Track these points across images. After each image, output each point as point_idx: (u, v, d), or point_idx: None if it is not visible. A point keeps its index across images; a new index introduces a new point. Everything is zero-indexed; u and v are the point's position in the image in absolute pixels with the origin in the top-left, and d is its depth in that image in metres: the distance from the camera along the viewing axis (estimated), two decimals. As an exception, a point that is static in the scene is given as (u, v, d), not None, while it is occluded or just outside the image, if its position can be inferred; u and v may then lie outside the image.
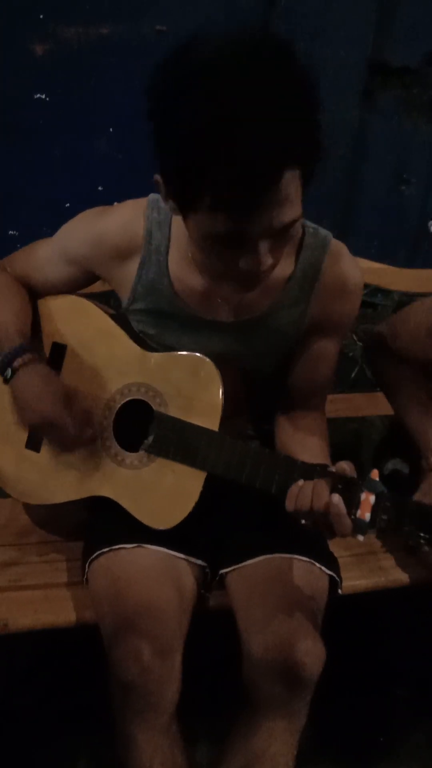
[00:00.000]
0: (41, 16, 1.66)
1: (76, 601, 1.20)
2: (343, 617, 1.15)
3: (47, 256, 1.23)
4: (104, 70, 1.73)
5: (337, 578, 1.18)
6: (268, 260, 0.91)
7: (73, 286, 1.24)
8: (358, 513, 0.94)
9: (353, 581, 1.27)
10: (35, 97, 1.70)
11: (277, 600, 1.08)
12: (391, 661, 1.69)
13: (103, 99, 1.74)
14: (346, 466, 0.98)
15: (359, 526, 0.94)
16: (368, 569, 1.34)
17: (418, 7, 1.92)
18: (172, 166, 0.87)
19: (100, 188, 1.70)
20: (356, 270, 1.13)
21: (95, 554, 1.14)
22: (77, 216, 1.19)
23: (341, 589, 1.20)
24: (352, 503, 0.95)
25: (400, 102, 2.02)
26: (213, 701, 1.07)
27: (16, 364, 1.14)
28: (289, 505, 0.98)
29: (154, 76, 0.86)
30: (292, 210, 0.88)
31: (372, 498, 0.94)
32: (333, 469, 0.98)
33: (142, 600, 1.05)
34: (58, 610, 1.18)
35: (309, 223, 1.12)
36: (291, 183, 0.85)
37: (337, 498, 0.94)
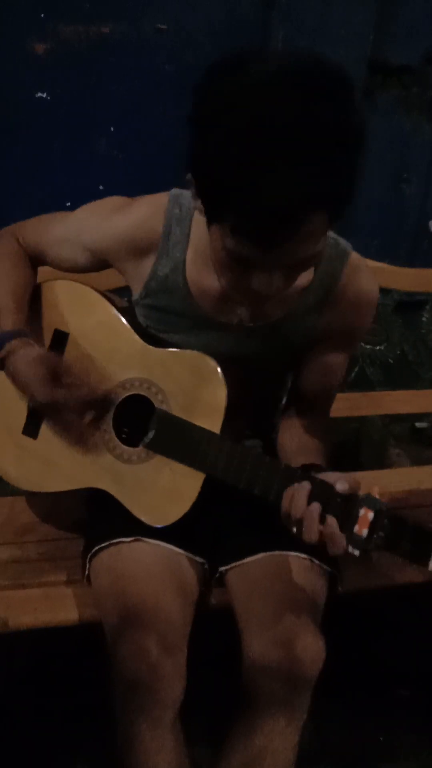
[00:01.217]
0: (42, 15, 1.66)
1: (76, 599, 1.20)
2: (343, 616, 1.15)
3: (63, 235, 1.20)
4: (105, 69, 1.73)
5: (337, 575, 1.18)
6: (281, 284, 0.91)
7: (86, 270, 1.22)
8: (356, 529, 0.94)
9: (353, 581, 1.27)
10: (36, 96, 1.70)
11: (277, 597, 1.08)
12: (391, 660, 1.69)
13: (104, 98, 1.74)
14: (345, 483, 0.96)
15: (356, 542, 0.94)
16: (369, 567, 1.34)
17: (418, 6, 1.92)
18: (202, 175, 0.86)
19: (101, 187, 1.70)
20: (374, 284, 1.13)
21: (95, 549, 1.14)
22: (98, 203, 1.17)
23: (341, 586, 1.20)
24: (350, 518, 0.94)
25: (399, 101, 2.03)
26: (213, 699, 1.07)
27: (4, 351, 1.13)
28: (284, 511, 0.98)
29: (205, 78, 0.83)
30: (313, 246, 0.88)
31: (371, 515, 0.94)
32: (333, 479, 0.97)
33: (147, 596, 1.05)
34: (58, 609, 1.18)
35: (330, 234, 1.10)
36: (317, 222, 0.84)
37: (331, 519, 0.94)
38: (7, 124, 1.71)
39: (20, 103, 1.70)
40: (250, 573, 1.13)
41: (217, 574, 1.18)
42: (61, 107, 1.73)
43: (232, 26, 1.83)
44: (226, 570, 1.17)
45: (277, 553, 1.13)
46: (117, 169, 1.79)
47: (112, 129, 1.79)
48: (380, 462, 2.28)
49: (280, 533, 1.11)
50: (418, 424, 2.40)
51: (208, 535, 1.17)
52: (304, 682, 1.03)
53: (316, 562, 1.14)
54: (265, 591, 1.09)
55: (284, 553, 1.13)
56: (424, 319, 1.94)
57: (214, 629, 1.10)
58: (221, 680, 1.05)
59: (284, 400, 1.28)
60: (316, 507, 0.94)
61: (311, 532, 0.94)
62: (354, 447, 2.19)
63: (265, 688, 1.03)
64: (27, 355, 1.13)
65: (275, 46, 1.89)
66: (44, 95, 1.72)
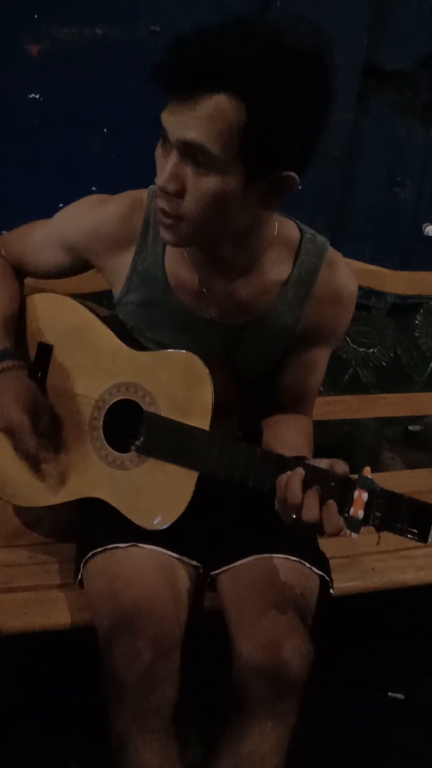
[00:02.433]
0: (35, 17, 1.65)
1: (67, 603, 1.19)
2: (337, 619, 1.15)
3: (42, 239, 1.21)
4: (98, 70, 1.72)
5: (327, 578, 1.17)
6: (167, 175, 0.93)
7: (67, 272, 1.23)
8: (351, 511, 0.94)
9: (345, 583, 1.27)
10: (29, 97, 1.69)
11: (266, 600, 1.07)
12: (384, 663, 1.69)
13: (98, 99, 1.74)
14: (336, 464, 0.97)
15: (353, 524, 0.94)
16: (360, 571, 1.34)
17: (412, 11, 1.93)
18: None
19: (93, 188, 1.70)
20: (352, 279, 1.14)
21: (89, 554, 1.13)
22: (76, 203, 1.19)
23: (333, 589, 1.19)
24: (345, 501, 0.94)
25: (393, 105, 2.03)
26: (203, 703, 1.07)
27: None
28: (280, 498, 0.98)
29: None
30: (198, 133, 0.89)
31: (365, 495, 0.94)
32: (324, 466, 0.98)
33: (141, 600, 1.05)
34: (49, 613, 1.17)
35: (307, 229, 1.12)
36: (219, 108, 0.87)
37: (330, 502, 0.94)
38: (0, 125, 1.71)
39: (13, 104, 1.70)
40: (239, 576, 1.13)
41: (208, 579, 1.18)
42: (54, 108, 1.72)
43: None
44: (217, 574, 1.16)
45: (266, 556, 1.13)
46: (110, 171, 1.78)
47: (105, 130, 1.79)
48: (373, 466, 2.28)
49: (270, 536, 1.11)
50: (411, 428, 2.41)
51: (201, 539, 1.17)
52: (292, 685, 1.03)
53: (306, 564, 1.14)
54: (254, 593, 1.09)
55: (274, 555, 1.13)
56: (417, 322, 1.94)
57: (204, 633, 1.09)
58: (214, 684, 1.05)
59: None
60: (313, 490, 0.94)
61: (311, 513, 0.93)
62: (347, 450, 2.19)
63: (253, 692, 1.03)
64: (17, 378, 1.13)
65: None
66: (37, 96, 1.71)
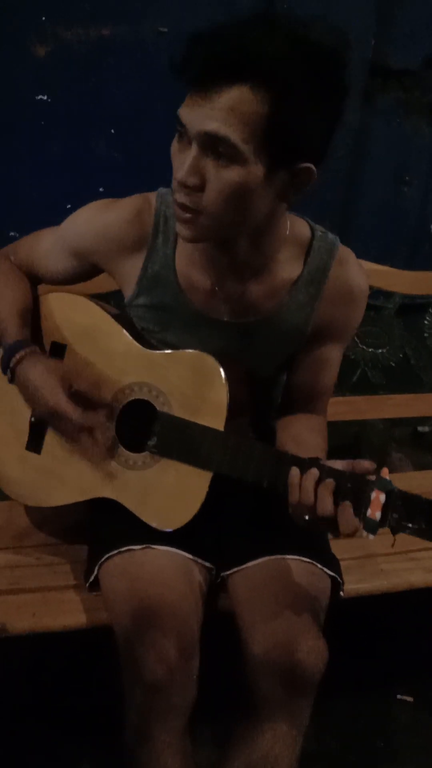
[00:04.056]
0: (42, 18, 1.65)
1: (74, 604, 1.19)
2: (345, 620, 1.14)
3: (51, 246, 1.21)
4: (105, 71, 1.72)
5: (339, 579, 1.17)
6: (187, 169, 0.92)
7: (76, 278, 1.23)
8: (369, 512, 0.93)
9: (355, 585, 1.26)
10: (36, 98, 1.69)
11: (279, 600, 1.07)
12: (392, 665, 1.68)
13: (104, 100, 1.74)
14: (357, 464, 0.97)
15: (370, 526, 0.93)
16: (370, 572, 1.33)
17: (418, 10, 1.92)
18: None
19: (101, 189, 1.70)
20: (362, 276, 1.13)
21: (105, 557, 1.13)
22: (83, 207, 1.18)
23: (343, 591, 1.19)
24: (362, 501, 0.93)
25: (400, 104, 2.02)
26: (215, 704, 1.06)
27: (13, 362, 1.14)
28: (293, 498, 0.97)
29: None
30: (220, 125, 0.89)
31: (382, 497, 0.93)
32: (340, 467, 0.97)
33: (163, 599, 1.04)
34: (56, 614, 1.17)
35: (318, 227, 1.12)
36: (239, 100, 0.87)
37: (346, 503, 0.93)
38: (7, 127, 1.71)
39: (20, 105, 1.70)
40: (251, 577, 1.13)
41: (219, 579, 1.17)
42: (61, 109, 1.73)
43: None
44: (228, 575, 1.16)
45: (278, 557, 1.13)
46: (117, 172, 1.79)
47: (112, 131, 1.79)
48: (382, 467, 2.27)
49: (281, 537, 1.11)
50: (420, 428, 2.40)
51: (213, 540, 1.17)
52: (306, 685, 1.03)
53: (318, 566, 1.14)
54: (266, 594, 1.09)
55: (286, 557, 1.13)
56: (426, 322, 1.93)
57: (215, 634, 1.09)
58: (225, 685, 1.04)
59: (277, 403, 1.27)
60: (326, 488, 0.94)
61: (324, 509, 0.93)
62: (355, 451, 2.18)
63: (266, 692, 1.03)
64: (35, 363, 1.13)
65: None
66: (44, 97, 1.72)
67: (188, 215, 0.96)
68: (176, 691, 0.99)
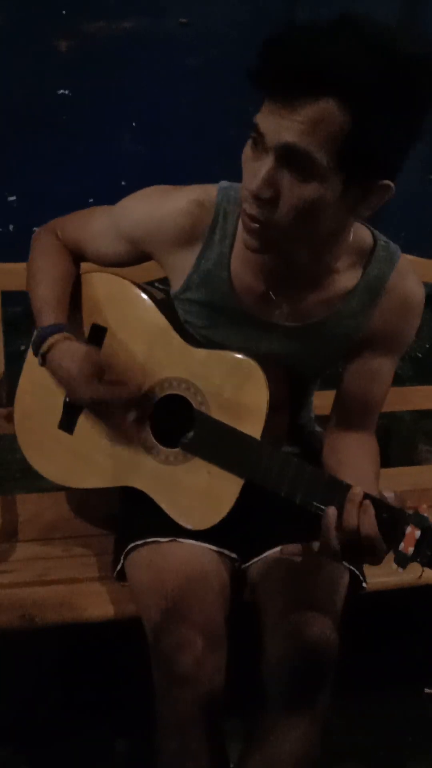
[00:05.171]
0: (64, 12, 1.66)
1: (102, 595, 1.19)
2: (371, 615, 1.13)
3: (102, 228, 1.17)
4: (127, 64, 1.72)
5: (357, 573, 1.16)
6: (261, 181, 0.88)
7: (125, 263, 1.19)
8: (401, 546, 0.92)
9: (378, 578, 1.24)
10: (59, 92, 1.70)
11: (296, 592, 1.06)
12: (420, 659, 1.66)
13: (126, 94, 1.74)
14: (391, 495, 0.96)
15: (401, 559, 0.93)
16: (391, 567, 1.32)
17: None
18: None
19: (123, 183, 1.70)
20: (420, 288, 1.11)
21: (130, 547, 1.13)
22: (140, 192, 1.14)
23: (366, 584, 1.18)
24: (397, 535, 0.93)
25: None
26: (247, 699, 1.06)
27: (44, 347, 1.12)
28: (328, 523, 0.96)
29: None
30: (301, 137, 0.85)
31: (418, 533, 0.92)
32: (378, 496, 0.96)
33: (189, 590, 1.04)
34: (84, 605, 1.18)
35: (381, 236, 1.09)
36: (323, 112, 0.83)
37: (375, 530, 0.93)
38: (30, 121, 1.72)
39: (43, 100, 1.71)
40: (269, 567, 1.12)
41: (241, 571, 1.17)
42: (83, 103, 1.73)
43: (255, 19, 1.81)
44: (248, 566, 1.16)
45: (294, 545, 1.12)
46: (139, 165, 1.79)
47: (134, 124, 1.79)
48: (409, 459, 2.25)
49: (301, 529, 1.10)
50: (447, 420, 2.36)
51: (237, 531, 1.16)
52: (318, 674, 1.02)
53: (331, 555, 1.12)
54: (283, 586, 1.08)
55: (301, 545, 1.12)
56: (453, 312, 1.90)
57: (239, 626, 1.08)
58: (256, 678, 1.04)
59: (312, 404, 1.27)
60: (370, 514, 0.93)
61: (370, 530, 0.93)
62: (382, 443, 2.15)
63: (282, 684, 1.02)
64: (69, 350, 1.11)
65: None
66: (66, 92, 1.72)
67: (256, 226, 0.93)
68: (204, 682, 0.99)
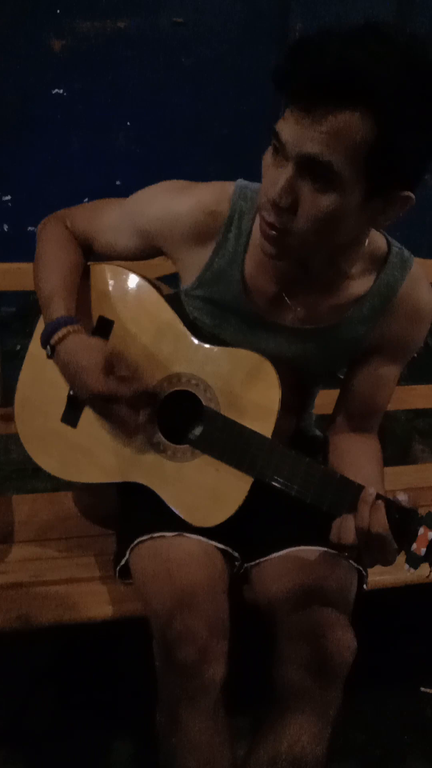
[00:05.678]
0: (58, 11, 1.66)
1: (99, 596, 1.19)
2: (368, 613, 1.13)
3: (114, 221, 1.16)
4: (121, 63, 1.72)
5: (363, 572, 1.16)
6: (281, 190, 0.87)
7: (136, 257, 1.18)
8: (414, 547, 0.93)
9: (378, 577, 1.25)
10: (53, 92, 1.70)
11: (307, 591, 1.07)
12: (418, 658, 1.67)
13: (120, 93, 1.74)
14: (404, 497, 0.96)
15: (413, 560, 0.93)
16: (393, 565, 1.32)
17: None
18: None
19: (118, 182, 1.70)
20: (431, 296, 1.11)
21: (137, 541, 1.13)
22: (154, 187, 1.13)
23: (366, 584, 1.18)
24: (409, 535, 0.93)
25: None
26: (253, 695, 1.06)
27: (54, 339, 1.10)
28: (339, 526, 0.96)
29: None
30: (323, 149, 0.84)
31: (430, 534, 0.92)
32: (391, 497, 0.96)
33: (195, 581, 1.04)
34: (81, 606, 1.18)
35: (395, 243, 1.09)
36: (346, 123, 0.82)
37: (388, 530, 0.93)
38: (24, 121, 1.72)
39: (37, 99, 1.71)
40: (277, 568, 1.12)
41: (242, 570, 1.17)
42: (77, 103, 1.73)
43: (249, 19, 1.81)
44: (252, 566, 1.16)
45: (303, 548, 1.12)
46: (134, 164, 1.79)
47: (128, 123, 1.79)
48: (404, 458, 2.25)
49: (307, 529, 1.10)
50: (443, 419, 2.37)
51: (241, 530, 1.16)
52: (334, 676, 1.02)
53: (343, 556, 1.13)
54: (295, 585, 1.08)
55: (311, 548, 1.12)
56: (448, 311, 1.90)
57: (248, 624, 1.08)
58: (260, 675, 1.04)
59: (313, 408, 1.27)
60: (382, 514, 0.93)
61: (380, 527, 0.93)
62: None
63: (295, 683, 1.02)
64: (81, 342, 1.09)
65: (293, 38, 1.86)
66: (61, 91, 1.72)
67: (274, 233, 0.93)
68: (207, 671, 0.99)
